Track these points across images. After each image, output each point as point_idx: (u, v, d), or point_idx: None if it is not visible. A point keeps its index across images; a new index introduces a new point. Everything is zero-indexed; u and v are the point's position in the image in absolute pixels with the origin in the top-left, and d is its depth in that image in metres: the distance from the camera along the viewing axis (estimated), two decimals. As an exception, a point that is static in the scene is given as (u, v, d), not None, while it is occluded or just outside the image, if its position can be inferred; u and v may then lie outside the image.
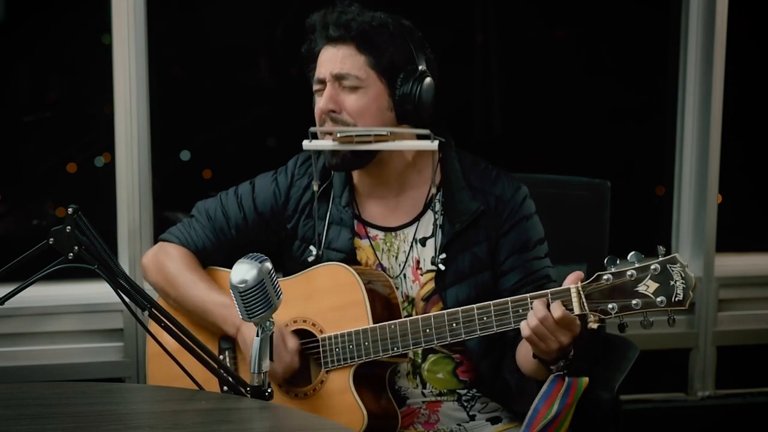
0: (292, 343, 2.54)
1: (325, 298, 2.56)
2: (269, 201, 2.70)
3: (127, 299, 2.24)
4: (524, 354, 2.53)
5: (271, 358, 2.23)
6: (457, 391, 2.63)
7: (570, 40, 4.09)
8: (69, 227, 2.19)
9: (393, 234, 2.64)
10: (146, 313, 2.22)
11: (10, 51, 3.73)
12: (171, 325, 2.24)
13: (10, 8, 3.75)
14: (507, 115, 4.08)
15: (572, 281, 2.36)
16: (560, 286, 2.38)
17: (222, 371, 2.26)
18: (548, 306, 2.35)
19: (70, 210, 2.21)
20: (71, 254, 2.19)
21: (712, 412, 4.00)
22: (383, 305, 2.55)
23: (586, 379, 2.46)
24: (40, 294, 3.51)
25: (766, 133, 4.14)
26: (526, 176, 2.79)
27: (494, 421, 2.64)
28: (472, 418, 2.63)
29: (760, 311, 4.03)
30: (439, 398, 2.62)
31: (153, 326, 2.29)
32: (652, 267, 2.31)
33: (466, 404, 2.63)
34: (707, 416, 4.00)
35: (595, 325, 2.34)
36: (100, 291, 3.43)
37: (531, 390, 2.58)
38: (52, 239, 2.20)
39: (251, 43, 3.93)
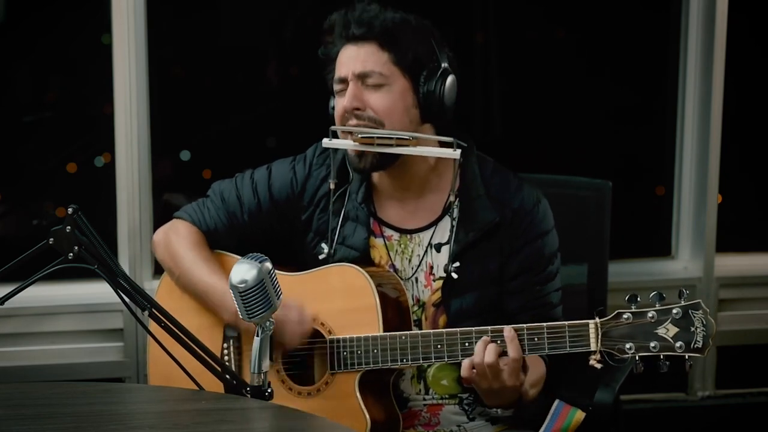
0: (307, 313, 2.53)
1: (336, 299, 2.55)
2: (285, 189, 2.67)
3: (127, 299, 2.24)
4: None
5: (271, 359, 2.23)
6: (459, 395, 2.62)
7: (570, 40, 4.08)
8: (69, 227, 2.19)
9: (408, 236, 2.62)
10: (146, 313, 2.22)
11: (10, 51, 3.73)
12: (171, 325, 2.24)
13: (10, 8, 3.75)
14: (507, 115, 4.08)
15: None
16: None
17: (222, 371, 2.26)
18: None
19: (70, 210, 2.21)
20: (71, 254, 2.19)
21: (712, 412, 4.00)
22: (394, 309, 2.53)
23: (581, 413, 2.46)
24: (40, 294, 3.51)
25: (766, 133, 4.14)
26: (527, 176, 2.79)
27: (494, 421, 2.64)
28: (472, 419, 2.63)
29: (760, 311, 4.02)
30: (440, 401, 2.62)
31: (153, 326, 2.29)
32: (674, 311, 2.29)
33: (467, 407, 2.62)
34: (707, 416, 3.99)
35: (598, 365, 2.34)
36: (100, 291, 3.43)
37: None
38: (52, 239, 2.20)
39: (252, 43, 3.93)
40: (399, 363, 2.48)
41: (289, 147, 2.79)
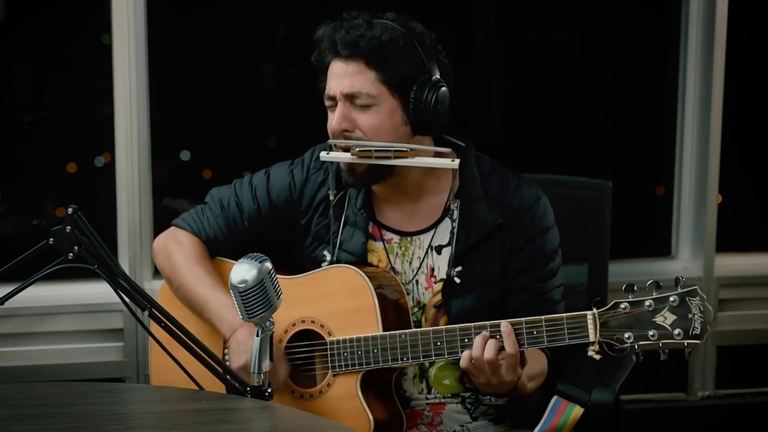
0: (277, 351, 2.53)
1: (335, 301, 2.54)
2: (284, 193, 2.66)
3: (127, 299, 2.24)
4: None
5: (271, 359, 2.23)
6: (461, 394, 2.62)
7: (570, 40, 4.09)
8: (69, 227, 2.19)
9: (408, 239, 2.61)
10: (146, 313, 2.23)
11: (10, 51, 3.73)
12: (171, 325, 2.24)
13: (10, 8, 3.75)
14: (507, 115, 4.08)
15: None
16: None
17: (222, 371, 2.26)
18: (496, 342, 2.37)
19: (70, 210, 2.21)
20: (71, 254, 2.20)
21: (712, 412, 4.00)
22: (393, 310, 2.53)
23: (578, 409, 2.46)
24: (40, 294, 3.51)
25: (766, 133, 4.14)
26: (527, 176, 2.79)
27: (497, 421, 2.64)
28: (475, 419, 2.63)
29: (760, 311, 4.02)
30: (443, 400, 2.61)
31: (153, 326, 2.29)
32: (671, 298, 2.29)
33: (469, 406, 2.62)
34: (707, 416, 4.00)
35: (597, 356, 2.34)
36: (100, 291, 3.43)
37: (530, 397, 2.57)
38: (52, 239, 2.20)
39: (252, 43, 3.93)
40: (400, 362, 2.48)
41: (289, 147, 2.78)
